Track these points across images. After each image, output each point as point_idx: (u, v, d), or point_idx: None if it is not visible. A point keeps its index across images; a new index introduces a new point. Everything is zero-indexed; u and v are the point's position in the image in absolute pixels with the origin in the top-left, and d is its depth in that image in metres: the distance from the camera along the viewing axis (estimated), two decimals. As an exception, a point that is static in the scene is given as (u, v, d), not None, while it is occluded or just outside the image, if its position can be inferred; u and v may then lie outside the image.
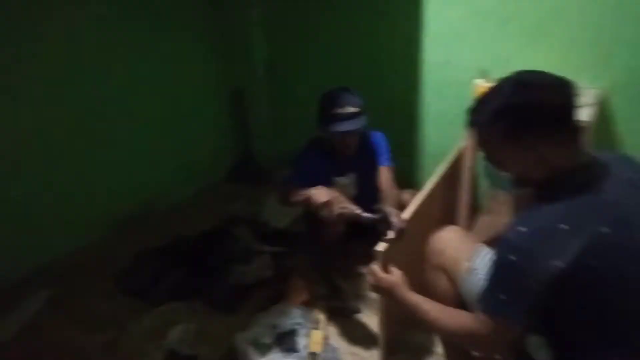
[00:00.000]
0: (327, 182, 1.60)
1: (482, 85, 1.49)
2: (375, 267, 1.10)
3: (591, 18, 1.55)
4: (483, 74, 1.59)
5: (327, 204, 1.30)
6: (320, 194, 1.33)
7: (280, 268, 1.81)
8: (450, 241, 1.13)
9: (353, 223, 1.44)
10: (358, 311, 1.58)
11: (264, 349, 1.39)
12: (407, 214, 1.30)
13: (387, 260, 1.13)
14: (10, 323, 1.61)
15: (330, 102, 1.51)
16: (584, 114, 1.36)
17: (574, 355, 0.81)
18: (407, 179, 2.16)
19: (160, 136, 2.41)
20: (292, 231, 2.10)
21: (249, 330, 1.44)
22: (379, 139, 1.71)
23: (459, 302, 1.05)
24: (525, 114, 0.80)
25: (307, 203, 1.36)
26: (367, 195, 1.63)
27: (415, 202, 1.39)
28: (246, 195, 2.52)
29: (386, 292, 1.07)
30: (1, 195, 1.78)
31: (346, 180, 1.70)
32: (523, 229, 0.76)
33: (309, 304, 1.60)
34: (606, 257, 0.73)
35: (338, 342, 1.47)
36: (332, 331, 1.51)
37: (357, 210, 1.30)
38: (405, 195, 1.66)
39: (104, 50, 2.02)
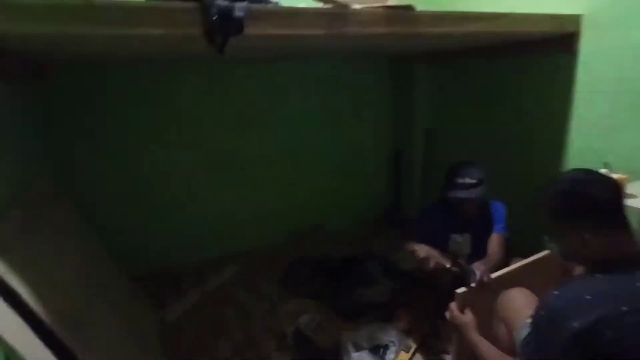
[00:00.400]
0: (445, 237, 1.95)
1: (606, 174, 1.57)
2: (454, 305, 1.40)
3: None
4: (606, 166, 1.65)
5: (424, 260, 1.67)
6: (421, 250, 1.71)
7: (392, 299, 2.17)
8: (515, 299, 1.33)
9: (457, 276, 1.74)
10: (446, 352, 1.80)
11: (360, 349, 1.79)
12: (496, 273, 1.53)
13: (464, 303, 1.41)
14: (212, 281, 2.50)
15: (453, 172, 1.86)
16: None
17: None
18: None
19: (333, 178, 3.16)
20: (412, 274, 2.42)
21: (353, 333, 1.87)
22: (499, 208, 1.94)
23: (514, 350, 1.24)
24: (570, 203, 1.02)
25: (412, 255, 1.75)
26: (479, 254, 1.87)
27: (511, 266, 1.59)
28: (387, 237, 2.97)
29: (456, 327, 1.35)
30: (214, 204, 2.78)
31: (461, 238, 1.98)
32: (556, 292, 0.99)
33: (407, 332, 1.92)
34: (621, 329, 0.86)
35: (420, 369, 1.74)
36: (418, 359, 1.78)
37: (447, 264, 1.63)
38: (514, 260, 1.81)
39: (308, 112, 2.93)
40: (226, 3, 1.20)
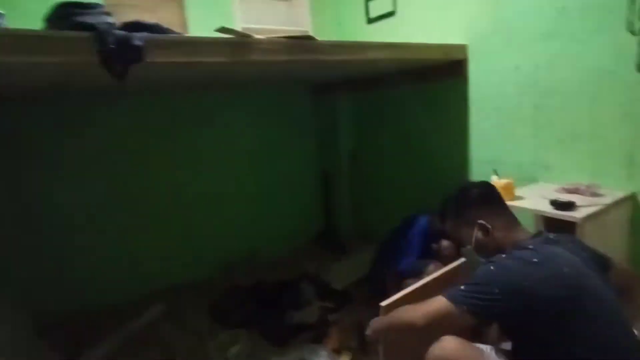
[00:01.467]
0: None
1: (496, 180, 1.76)
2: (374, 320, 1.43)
3: (623, 135, 1.67)
4: (496, 173, 1.86)
5: None
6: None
7: (323, 318, 2.19)
8: (452, 351, 1.15)
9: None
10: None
11: (291, 372, 1.77)
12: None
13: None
14: (135, 323, 2.34)
15: None
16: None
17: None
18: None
19: (264, 205, 3.17)
20: (345, 292, 2.47)
21: (283, 357, 1.85)
22: None
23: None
24: (457, 199, 1.27)
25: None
26: None
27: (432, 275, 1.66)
28: (321, 259, 3.01)
29: (378, 333, 1.39)
30: (138, 239, 2.67)
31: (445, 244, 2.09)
32: (503, 256, 1.07)
33: (337, 351, 1.93)
34: (564, 286, 0.97)
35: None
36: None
37: None
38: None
39: (234, 142, 2.96)
40: (123, 33, 1.23)
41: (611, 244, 1.62)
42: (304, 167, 3.38)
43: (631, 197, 1.65)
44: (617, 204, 1.58)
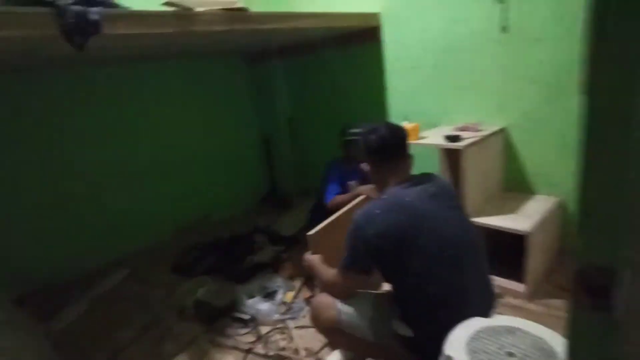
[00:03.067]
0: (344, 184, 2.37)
1: (406, 125, 2.18)
2: (306, 254, 1.64)
3: (496, 83, 2.17)
4: (406, 118, 2.28)
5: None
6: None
7: (277, 257, 2.55)
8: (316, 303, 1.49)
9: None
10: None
11: (253, 297, 2.11)
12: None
13: (314, 243, 1.64)
14: (100, 286, 2.53)
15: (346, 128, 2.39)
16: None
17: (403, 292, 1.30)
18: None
19: (212, 172, 3.39)
20: (293, 237, 2.83)
21: (246, 287, 2.18)
22: None
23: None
24: (364, 144, 1.42)
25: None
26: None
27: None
28: (269, 214, 3.34)
29: (310, 267, 1.65)
30: (97, 211, 2.82)
31: (353, 183, 2.41)
32: (359, 211, 1.33)
33: (291, 278, 2.31)
34: (403, 231, 1.20)
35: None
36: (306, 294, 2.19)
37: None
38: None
39: (180, 109, 3.12)
40: (81, 7, 1.40)
41: (490, 165, 2.14)
42: (246, 134, 3.63)
43: (502, 130, 2.17)
44: (492, 135, 2.08)
